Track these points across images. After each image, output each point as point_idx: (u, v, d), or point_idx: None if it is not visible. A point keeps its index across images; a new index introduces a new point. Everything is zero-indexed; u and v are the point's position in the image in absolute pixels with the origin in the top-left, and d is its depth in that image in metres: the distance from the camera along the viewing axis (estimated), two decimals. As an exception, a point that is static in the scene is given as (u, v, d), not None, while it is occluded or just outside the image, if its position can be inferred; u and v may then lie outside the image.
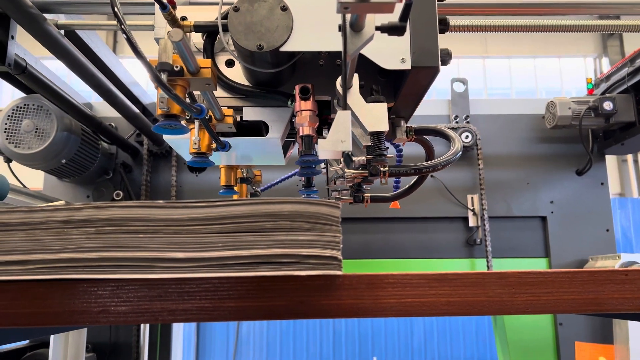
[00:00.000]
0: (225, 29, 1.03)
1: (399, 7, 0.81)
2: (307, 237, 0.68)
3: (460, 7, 1.97)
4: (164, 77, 0.88)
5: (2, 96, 10.69)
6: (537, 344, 2.82)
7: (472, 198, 2.95)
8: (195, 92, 1.11)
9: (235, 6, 1.02)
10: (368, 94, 1.12)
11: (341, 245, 0.69)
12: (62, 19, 1.88)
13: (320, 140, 0.99)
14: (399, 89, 1.19)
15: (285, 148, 1.52)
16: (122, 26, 0.80)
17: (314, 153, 1.10)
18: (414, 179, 1.64)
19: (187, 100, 0.96)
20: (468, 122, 3.02)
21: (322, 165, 1.71)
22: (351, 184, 1.50)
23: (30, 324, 0.67)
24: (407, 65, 1.05)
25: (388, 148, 1.20)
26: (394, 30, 0.89)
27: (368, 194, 1.61)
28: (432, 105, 3.13)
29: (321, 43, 1.04)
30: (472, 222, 2.93)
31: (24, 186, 2.19)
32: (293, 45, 1.03)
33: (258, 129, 1.26)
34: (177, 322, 0.86)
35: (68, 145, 2.32)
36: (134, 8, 1.88)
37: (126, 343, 2.81)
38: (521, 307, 0.71)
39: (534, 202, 2.97)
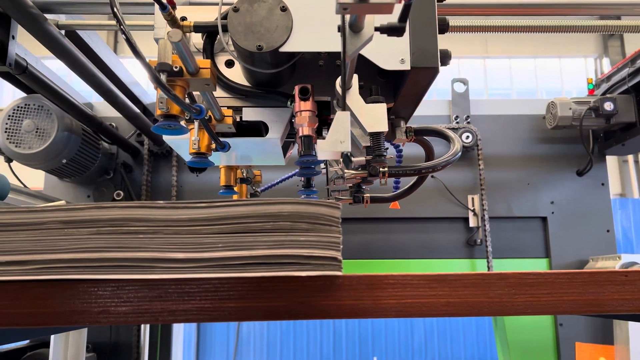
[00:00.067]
0: (225, 29, 1.03)
1: (398, 8, 0.81)
2: (307, 238, 0.68)
3: (460, 7, 1.97)
4: (163, 77, 0.88)
5: (3, 96, 10.70)
6: (538, 345, 2.82)
7: (472, 198, 2.95)
8: (194, 93, 1.11)
9: (235, 6, 1.02)
10: (367, 95, 1.11)
11: (341, 246, 0.69)
12: (62, 19, 1.88)
13: (319, 141, 0.99)
14: (398, 89, 1.19)
15: (285, 148, 1.52)
16: (122, 26, 0.80)
17: (314, 153, 1.10)
18: (413, 179, 1.64)
19: (187, 100, 0.96)
20: (468, 123, 3.02)
21: (322, 165, 1.71)
22: (351, 185, 1.50)
23: (31, 324, 0.67)
24: (407, 66, 1.05)
25: (387, 148, 1.20)
26: (393, 31, 0.89)
27: (368, 195, 1.61)
28: (433, 106, 3.13)
29: (320, 43, 1.04)
30: (472, 223, 2.93)
31: (25, 186, 2.19)
32: (292, 45, 1.03)
33: (258, 129, 1.26)
34: (177, 323, 0.86)
35: (69, 145, 2.33)
36: (133, 8, 1.88)
37: (126, 343, 2.81)
38: (521, 308, 0.71)
39: (535, 202, 2.96)
